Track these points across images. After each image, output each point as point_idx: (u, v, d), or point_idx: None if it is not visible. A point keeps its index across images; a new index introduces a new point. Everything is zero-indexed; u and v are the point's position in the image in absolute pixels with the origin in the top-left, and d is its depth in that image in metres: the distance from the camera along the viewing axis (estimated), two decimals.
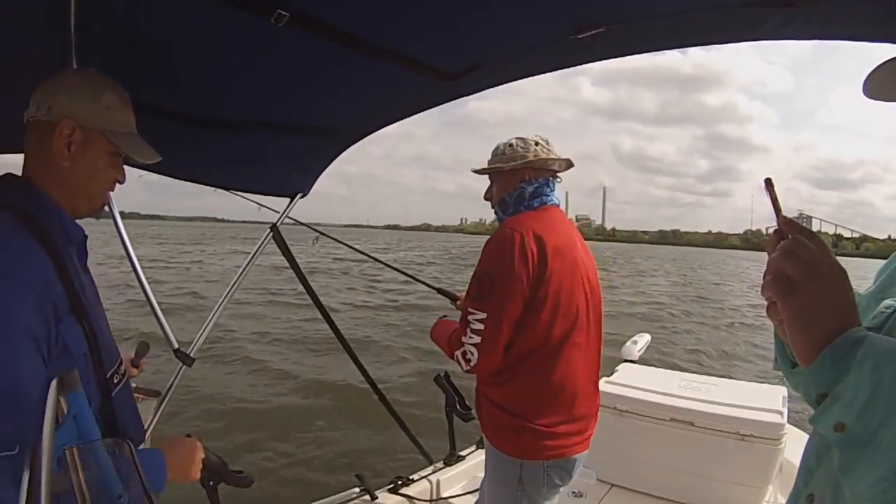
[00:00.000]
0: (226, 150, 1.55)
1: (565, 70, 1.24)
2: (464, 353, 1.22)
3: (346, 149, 1.63)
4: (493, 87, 1.35)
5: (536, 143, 1.37)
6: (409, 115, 1.51)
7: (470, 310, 1.23)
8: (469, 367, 1.24)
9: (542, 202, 1.35)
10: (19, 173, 0.82)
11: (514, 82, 1.30)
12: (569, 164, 1.41)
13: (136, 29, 0.99)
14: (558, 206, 1.40)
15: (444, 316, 1.46)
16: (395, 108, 1.47)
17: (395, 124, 1.53)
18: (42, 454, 0.72)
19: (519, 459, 1.23)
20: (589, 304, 1.32)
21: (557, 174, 1.41)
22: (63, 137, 0.77)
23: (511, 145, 1.38)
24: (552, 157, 1.37)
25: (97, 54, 1.03)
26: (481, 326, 1.20)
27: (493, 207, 1.44)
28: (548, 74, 1.21)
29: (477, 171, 1.43)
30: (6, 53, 0.98)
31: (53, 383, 0.86)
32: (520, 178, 1.36)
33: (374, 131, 1.57)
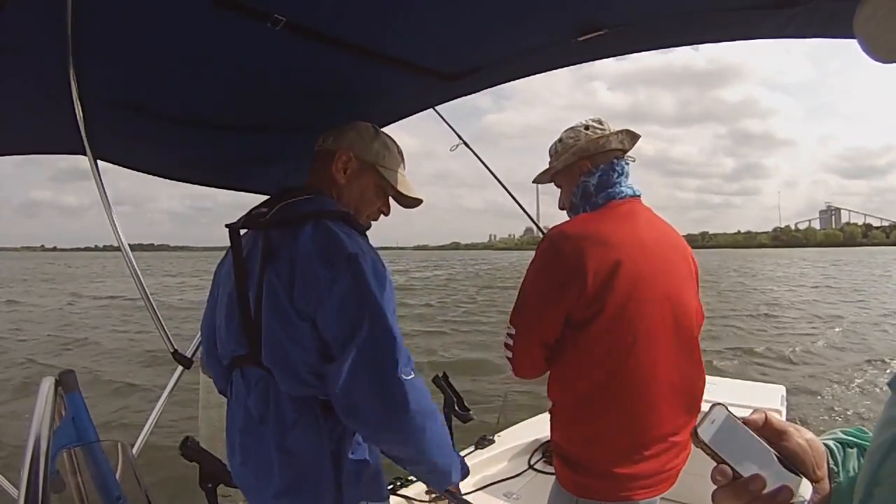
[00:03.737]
0: (223, 151, 1.56)
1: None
2: (508, 360, 1.15)
3: None
4: (492, 86, 1.35)
5: (586, 128, 1.18)
6: (409, 115, 1.51)
7: (509, 322, 1.14)
8: (513, 374, 1.16)
9: (610, 197, 1.12)
10: None
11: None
12: (632, 137, 1.17)
13: (132, 31, 0.99)
14: (636, 196, 1.15)
15: None
16: (395, 109, 1.47)
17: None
18: (40, 455, 0.72)
19: (575, 497, 1.10)
20: (671, 326, 1.08)
21: (625, 154, 1.18)
22: (342, 160, 1.01)
23: (561, 140, 1.20)
24: (604, 134, 1.16)
25: (95, 58, 1.03)
26: (511, 342, 1.12)
27: (568, 216, 1.23)
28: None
29: (537, 181, 1.27)
30: (4, 57, 0.98)
31: (51, 383, 0.87)
32: (578, 173, 1.16)
33: None
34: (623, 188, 1.14)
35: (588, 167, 1.15)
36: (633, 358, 1.04)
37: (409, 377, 0.86)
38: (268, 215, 0.95)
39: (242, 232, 0.99)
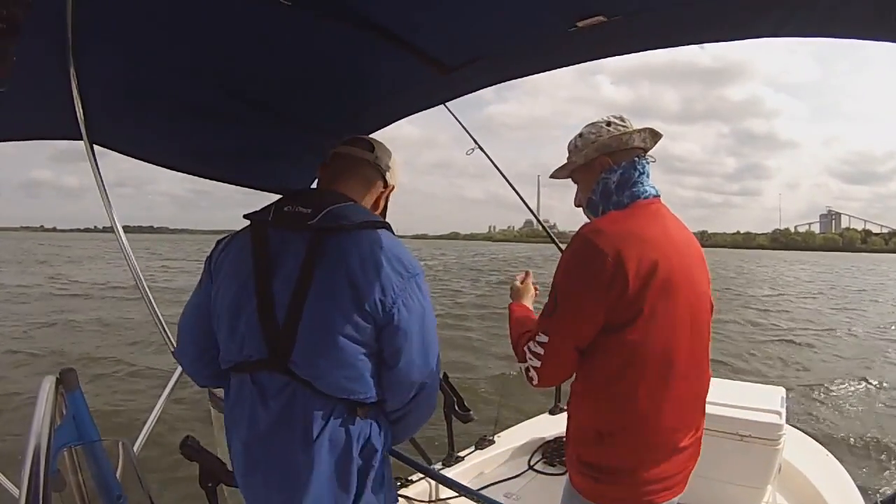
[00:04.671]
0: (223, 142, 1.55)
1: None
2: (526, 370, 1.08)
3: None
4: (494, 83, 1.35)
5: (608, 124, 1.14)
6: (410, 114, 1.51)
7: (537, 329, 1.07)
8: (532, 385, 1.10)
9: (634, 196, 1.09)
10: None
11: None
12: (654, 136, 1.14)
13: (132, 16, 0.99)
14: (657, 197, 1.13)
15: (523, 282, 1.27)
16: (395, 105, 1.47)
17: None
18: (41, 454, 0.72)
19: (593, 503, 1.07)
20: (693, 326, 1.07)
21: (646, 153, 1.15)
22: (387, 193, 1.13)
23: (581, 135, 1.16)
24: (627, 130, 1.12)
25: (93, 43, 1.03)
26: (541, 350, 1.04)
27: (585, 213, 1.20)
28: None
29: (555, 176, 1.23)
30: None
31: (52, 382, 0.86)
32: (599, 169, 1.13)
33: (375, 129, 1.57)
34: (647, 188, 1.11)
35: (609, 164, 1.12)
36: (663, 360, 1.02)
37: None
38: (315, 218, 0.94)
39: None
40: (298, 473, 0.89)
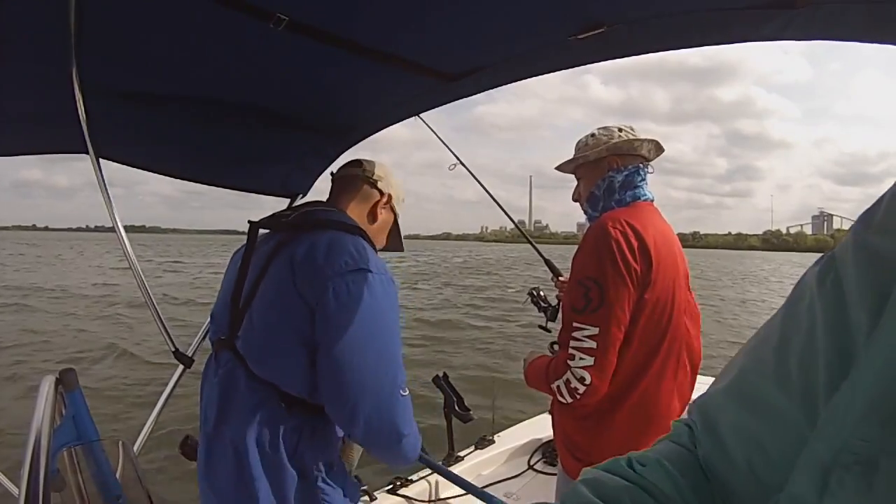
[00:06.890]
0: (225, 148, 1.55)
1: (572, 69, 1.23)
2: (567, 382, 1.03)
3: (347, 149, 1.63)
4: (494, 87, 1.35)
5: (620, 130, 1.24)
6: (411, 116, 1.51)
7: (577, 325, 1.04)
8: (577, 398, 1.03)
9: (635, 196, 1.18)
10: None
11: (521, 86, 1.29)
12: (658, 148, 1.25)
13: (135, 29, 0.99)
14: (653, 201, 1.22)
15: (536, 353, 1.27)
16: (397, 109, 1.47)
17: (403, 131, 1.53)
18: (41, 454, 0.71)
19: None
20: (687, 314, 1.15)
21: (648, 162, 1.25)
22: (383, 202, 1.13)
23: (593, 135, 1.25)
24: (637, 137, 1.23)
25: (97, 58, 1.03)
26: (593, 344, 1.01)
27: (582, 207, 1.28)
28: (554, 74, 1.20)
29: (561, 169, 1.30)
30: (7, 55, 0.97)
31: (52, 382, 0.85)
32: (607, 168, 1.21)
33: (375, 131, 1.57)
34: (646, 192, 1.21)
35: (617, 164, 1.21)
36: (672, 347, 1.10)
37: (405, 394, 0.94)
38: (290, 218, 1.02)
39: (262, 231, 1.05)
40: (231, 461, 0.90)
